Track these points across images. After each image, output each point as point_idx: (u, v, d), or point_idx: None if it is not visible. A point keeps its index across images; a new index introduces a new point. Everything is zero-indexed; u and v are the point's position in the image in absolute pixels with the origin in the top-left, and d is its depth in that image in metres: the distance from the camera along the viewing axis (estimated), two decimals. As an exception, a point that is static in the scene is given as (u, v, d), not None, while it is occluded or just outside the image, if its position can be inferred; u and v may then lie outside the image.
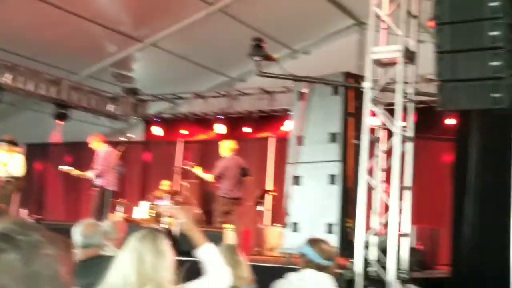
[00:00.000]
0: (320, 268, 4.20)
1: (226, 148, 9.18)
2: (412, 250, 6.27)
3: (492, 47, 5.13)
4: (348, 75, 7.13)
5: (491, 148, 6.34)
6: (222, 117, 12.02)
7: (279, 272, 4.46)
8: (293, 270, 4.35)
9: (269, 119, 11.88)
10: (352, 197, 6.37)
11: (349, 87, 7.06)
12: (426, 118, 8.29)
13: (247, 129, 11.91)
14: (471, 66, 5.30)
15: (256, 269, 4.04)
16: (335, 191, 6.96)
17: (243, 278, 3.78)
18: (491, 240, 6.07)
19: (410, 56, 6.16)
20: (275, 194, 10.31)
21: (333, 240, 6.27)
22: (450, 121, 9.31)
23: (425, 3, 6.03)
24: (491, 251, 6.02)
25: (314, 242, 4.34)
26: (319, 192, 7.07)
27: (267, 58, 7.00)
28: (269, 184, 10.99)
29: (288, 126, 9.97)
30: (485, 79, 5.21)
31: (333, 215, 6.86)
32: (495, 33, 5.11)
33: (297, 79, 7.59)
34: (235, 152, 9.19)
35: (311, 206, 7.08)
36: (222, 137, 11.10)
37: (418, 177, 6.54)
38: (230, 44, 10.83)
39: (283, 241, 7.79)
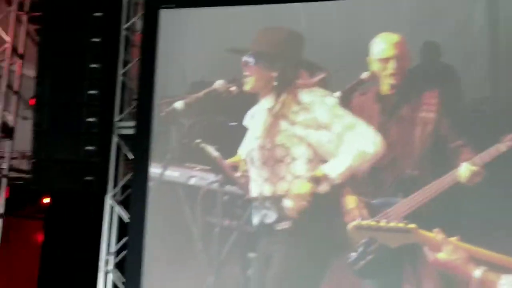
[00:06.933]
0: None
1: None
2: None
3: (87, 132, 5.37)
4: None
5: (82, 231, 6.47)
6: None
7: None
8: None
9: None
10: None
11: None
12: (21, 195, 8.07)
13: None
14: (67, 148, 5.42)
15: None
16: None
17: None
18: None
19: (7, 131, 6.04)
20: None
21: None
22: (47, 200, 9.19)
23: (28, 80, 6.02)
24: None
25: None
26: None
27: None
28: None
29: None
30: (79, 162, 5.39)
31: None
32: (91, 119, 5.38)
33: None
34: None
35: None
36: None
37: (8, 257, 6.27)
38: None
39: None
